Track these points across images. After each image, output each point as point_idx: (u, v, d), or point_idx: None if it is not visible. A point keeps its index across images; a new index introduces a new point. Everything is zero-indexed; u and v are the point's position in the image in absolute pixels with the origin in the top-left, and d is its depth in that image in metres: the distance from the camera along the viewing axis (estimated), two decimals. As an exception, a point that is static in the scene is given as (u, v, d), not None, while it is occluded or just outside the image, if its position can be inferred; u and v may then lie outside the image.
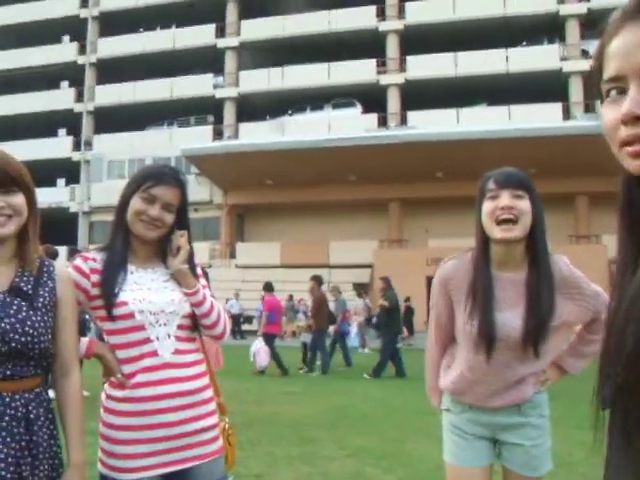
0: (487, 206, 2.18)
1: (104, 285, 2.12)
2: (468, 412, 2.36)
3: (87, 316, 8.13)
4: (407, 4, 33.65)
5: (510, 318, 2.18)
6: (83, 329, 9.09)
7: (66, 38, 40.44)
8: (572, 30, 31.73)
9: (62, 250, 24.16)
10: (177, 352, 2.16)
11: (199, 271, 2.34)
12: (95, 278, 2.14)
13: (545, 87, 30.75)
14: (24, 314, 1.83)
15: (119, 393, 2.11)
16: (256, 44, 35.48)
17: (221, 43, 36.38)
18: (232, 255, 32.53)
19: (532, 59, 31.12)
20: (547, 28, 32.08)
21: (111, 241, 2.24)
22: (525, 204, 2.15)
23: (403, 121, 32.31)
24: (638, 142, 0.87)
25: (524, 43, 32.51)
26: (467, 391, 2.34)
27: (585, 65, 30.86)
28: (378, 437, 6.36)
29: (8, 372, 1.79)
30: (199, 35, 36.65)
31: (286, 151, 27.63)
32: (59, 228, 34.98)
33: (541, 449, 2.32)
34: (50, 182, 38.55)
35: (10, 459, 1.74)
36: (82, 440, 1.93)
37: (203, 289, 2.28)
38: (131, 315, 2.10)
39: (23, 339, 1.79)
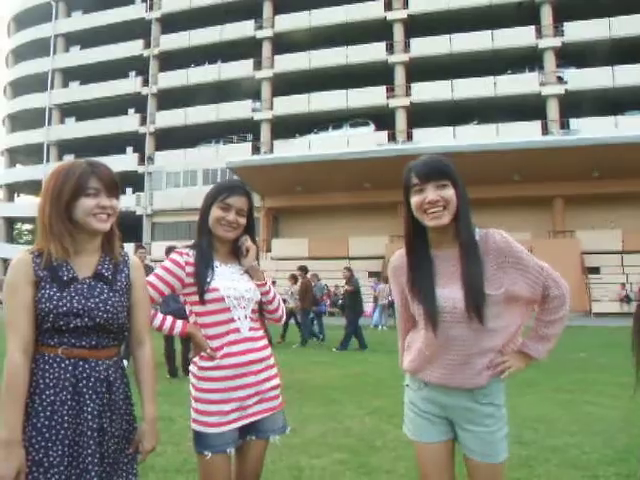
0: (415, 200, 1.96)
1: (199, 275, 2.22)
2: (424, 389, 2.09)
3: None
4: (412, 40, 33.46)
5: (452, 291, 1.94)
6: (184, 314, 9.05)
7: (132, 73, 40.78)
8: (549, 60, 31.34)
9: (129, 246, 24.52)
10: (251, 329, 2.29)
11: (262, 267, 2.46)
12: (190, 269, 2.24)
13: (526, 108, 30.55)
14: (105, 295, 1.88)
15: (209, 363, 2.21)
16: (287, 75, 35.44)
17: (258, 75, 36.36)
18: (268, 249, 32.63)
19: (516, 85, 30.89)
20: (528, 59, 31.74)
21: (198, 242, 2.33)
22: (449, 192, 1.93)
23: (409, 137, 32.13)
24: None
25: (509, 71, 32.26)
26: (423, 369, 2.07)
27: (560, 89, 30.57)
28: (391, 399, 6.23)
29: (93, 342, 1.85)
30: (240, 69, 36.76)
31: (313, 163, 27.64)
32: (127, 228, 35.37)
33: (495, 436, 1.98)
34: (120, 191, 38.97)
35: (95, 412, 1.82)
36: (154, 398, 1.99)
37: (268, 280, 2.42)
38: (221, 299, 2.21)
39: (105, 315, 1.85)
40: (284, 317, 2.52)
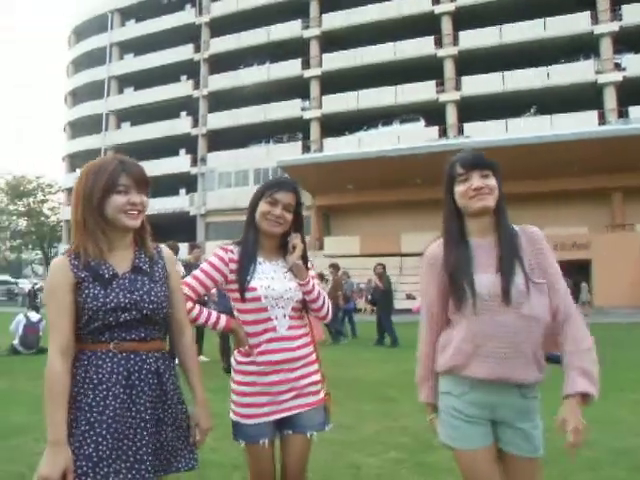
0: (461, 189, 2.03)
1: (239, 273, 2.27)
2: (468, 393, 1.99)
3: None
4: (460, 33, 32.99)
5: (491, 277, 1.95)
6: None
7: (183, 77, 41.63)
8: (606, 46, 30.33)
9: (183, 246, 25.11)
10: (290, 328, 2.30)
11: (310, 264, 2.44)
12: (233, 266, 2.29)
13: (582, 97, 29.61)
14: (148, 287, 1.91)
15: (245, 358, 2.29)
16: (335, 73, 35.48)
17: (307, 73, 36.59)
18: (320, 247, 32.74)
19: (570, 74, 30.01)
20: (583, 46, 30.79)
21: (244, 238, 2.36)
22: (492, 181, 2.01)
23: (460, 132, 31.74)
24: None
25: (563, 60, 31.35)
26: (468, 364, 1.97)
27: (618, 76, 29.50)
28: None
29: (142, 334, 1.89)
30: (288, 68, 37.03)
31: (363, 160, 27.53)
32: (181, 228, 36.34)
33: (539, 431, 1.99)
34: (174, 192, 39.90)
35: (148, 404, 1.87)
36: (202, 382, 2.06)
37: (312, 279, 2.38)
38: (258, 298, 2.24)
39: (151, 306, 1.89)
40: (330, 315, 2.49)
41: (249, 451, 2.28)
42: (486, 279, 1.95)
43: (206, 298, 8.17)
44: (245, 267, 2.28)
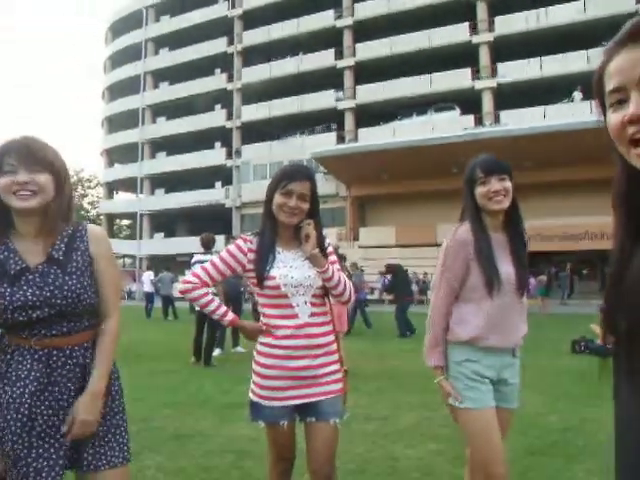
0: (480, 190, 2.35)
1: (258, 263, 2.31)
2: (485, 358, 2.34)
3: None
4: (496, 18, 32.30)
5: (506, 267, 2.33)
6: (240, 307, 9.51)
7: (217, 70, 41.86)
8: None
9: (220, 238, 25.34)
10: (312, 315, 2.33)
11: (330, 249, 2.46)
12: (251, 256, 2.35)
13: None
14: (60, 281, 1.80)
15: (268, 340, 2.32)
16: (369, 62, 35.16)
17: (340, 64, 36.36)
18: (356, 238, 32.68)
19: (612, 57, 29.14)
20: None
21: (262, 229, 2.40)
22: (508, 184, 2.34)
23: (497, 120, 31.14)
24: None
25: (604, 43, 30.24)
26: (488, 335, 2.33)
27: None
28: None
29: (64, 329, 1.81)
30: (321, 59, 36.90)
31: (398, 150, 27.35)
32: (217, 220, 36.75)
33: (518, 386, 2.47)
34: (209, 185, 40.30)
35: (71, 400, 1.81)
36: (107, 372, 1.89)
37: (332, 265, 2.39)
38: (278, 287, 2.29)
39: (64, 302, 1.79)
40: (352, 299, 2.52)
41: (269, 432, 2.36)
42: (505, 270, 2.33)
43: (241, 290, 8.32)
44: (264, 257, 2.32)
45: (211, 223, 30.01)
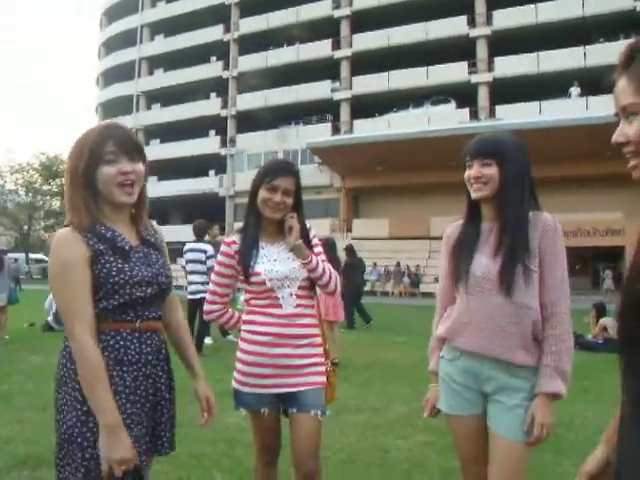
0: (466, 174, 2.12)
1: (242, 259, 2.36)
2: (459, 359, 2.11)
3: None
4: (494, 12, 32.23)
5: (487, 260, 2.04)
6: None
7: (213, 58, 41.64)
8: (647, 25, 29.35)
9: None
10: (298, 306, 2.36)
11: (316, 240, 2.50)
12: (238, 257, 2.39)
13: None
14: (161, 261, 1.86)
15: (251, 327, 2.35)
16: (366, 53, 35.04)
17: (337, 54, 36.24)
18: (349, 229, 32.68)
19: (609, 54, 29.07)
20: (623, 25, 29.84)
21: (245, 223, 2.44)
22: (491, 170, 2.03)
23: (492, 114, 31.10)
24: (632, 159, 1.06)
25: (601, 40, 30.40)
26: (459, 333, 2.10)
27: (659, 57, 28.56)
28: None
29: (159, 312, 1.85)
30: (318, 49, 36.75)
31: (393, 142, 27.31)
32: (211, 209, 36.58)
33: (524, 413, 1.98)
34: (203, 173, 40.19)
35: (167, 384, 1.89)
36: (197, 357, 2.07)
37: (316, 257, 2.41)
38: (263, 282, 2.32)
39: (166, 281, 1.84)
40: (338, 289, 2.52)
41: (251, 420, 2.39)
42: (483, 261, 2.05)
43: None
44: (247, 253, 2.36)
45: (204, 212, 29.91)
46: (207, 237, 9.20)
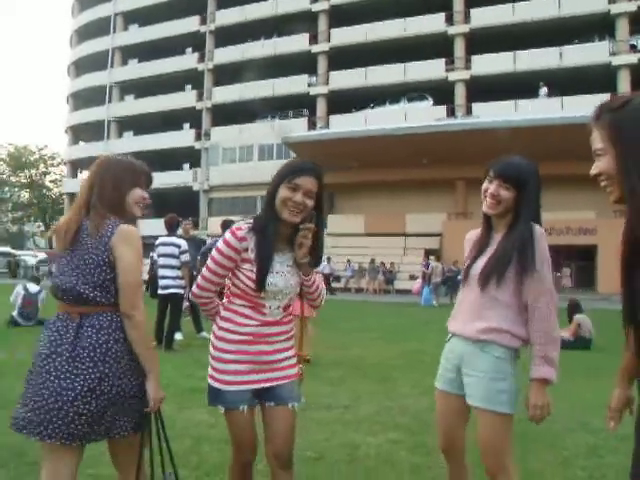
0: (484, 186, 2.40)
1: (259, 273, 2.25)
2: (450, 340, 2.50)
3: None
4: (472, 10, 32.47)
5: (481, 262, 2.39)
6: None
7: (189, 50, 41.27)
8: (621, 27, 29.81)
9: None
10: (281, 315, 2.39)
11: (323, 262, 2.53)
12: (245, 255, 2.26)
13: (595, 79, 29.23)
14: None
15: (227, 325, 2.33)
16: (343, 49, 35.06)
17: (314, 49, 36.22)
18: (324, 225, 32.70)
19: (583, 55, 29.57)
20: (598, 27, 30.30)
21: (263, 226, 2.27)
22: (507, 193, 2.32)
23: (469, 112, 31.39)
24: (607, 187, 1.53)
25: (576, 41, 30.83)
26: (453, 319, 2.51)
27: (633, 58, 29.09)
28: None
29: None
30: (295, 43, 36.67)
31: (369, 138, 27.38)
32: (184, 203, 36.29)
33: (495, 384, 2.25)
34: (177, 166, 39.86)
35: None
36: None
37: (315, 275, 2.43)
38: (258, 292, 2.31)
39: None
40: (322, 304, 2.56)
41: (229, 417, 2.34)
42: (479, 264, 2.39)
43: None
44: (265, 264, 2.26)
45: (178, 206, 29.67)
46: (180, 231, 9.11)
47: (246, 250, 2.27)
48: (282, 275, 2.31)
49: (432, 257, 21.82)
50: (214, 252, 2.32)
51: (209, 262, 2.33)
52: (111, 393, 2.08)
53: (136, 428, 2.20)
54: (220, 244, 2.30)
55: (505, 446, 2.28)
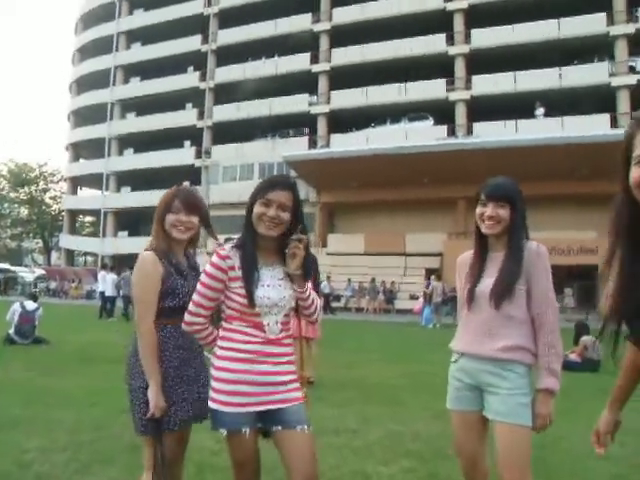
0: (478, 211, 2.49)
1: (246, 287, 2.23)
2: (459, 360, 2.52)
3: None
4: (473, 31, 32.70)
5: (487, 281, 2.43)
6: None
7: (190, 69, 41.46)
8: (621, 48, 30.02)
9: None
10: (281, 331, 2.31)
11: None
12: (232, 274, 2.26)
13: (595, 100, 29.34)
14: (196, 280, 2.47)
15: (229, 344, 2.27)
16: (344, 68, 35.22)
17: (315, 68, 36.37)
18: (324, 244, 32.56)
19: (583, 76, 29.72)
20: (597, 48, 30.49)
21: (243, 242, 2.31)
22: (504, 212, 2.43)
23: (469, 131, 31.46)
24: None
25: (576, 62, 31.03)
26: (459, 339, 2.55)
27: (632, 80, 29.21)
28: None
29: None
30: (296, 62, 36.85)
31: (370, 157, 27.36)
32: (185, 221, 36.15)
33: (515, 399, 2.33)
34: (177, 184, 39.72)
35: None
36: None
37: (309, 287, 2.39)
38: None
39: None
40: (319, 319, 2.54)
41: (231, 440, 2.25)
42: (486, 282, 2.44)
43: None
44: (250, 277, 2.25)
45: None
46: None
47: (232, 268, 2.26)
48: (274, 287, 2.28)
49: (433, 276, 21.63)
50: (202, 276, 2.32)
51: (198, 286, 2.31)
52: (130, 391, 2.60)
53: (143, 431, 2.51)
54: (207, 267, 2.31)
55: (528, 460, 2.33)
